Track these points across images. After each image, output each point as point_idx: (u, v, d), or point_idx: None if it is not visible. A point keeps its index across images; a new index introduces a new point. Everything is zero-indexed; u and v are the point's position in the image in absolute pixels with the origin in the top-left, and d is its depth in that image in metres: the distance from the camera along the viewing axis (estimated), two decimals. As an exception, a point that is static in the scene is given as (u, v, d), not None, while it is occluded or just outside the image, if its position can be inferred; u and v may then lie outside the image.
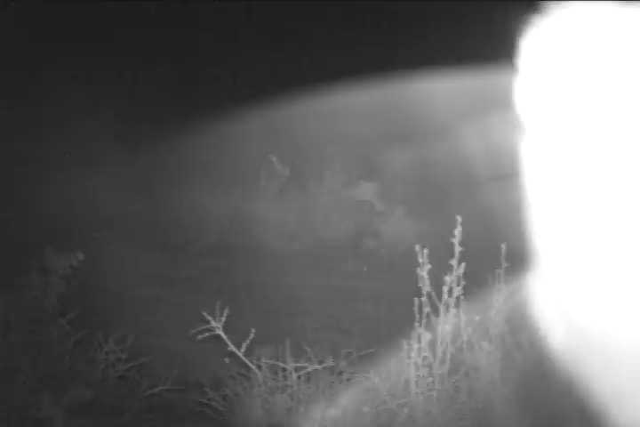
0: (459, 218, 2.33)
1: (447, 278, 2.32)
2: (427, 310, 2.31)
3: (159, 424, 2.60)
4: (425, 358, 2.34)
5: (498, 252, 2.42)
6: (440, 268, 2.38)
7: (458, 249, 2.33)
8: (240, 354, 2.48)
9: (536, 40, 2.78)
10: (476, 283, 2.51)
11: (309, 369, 2.53)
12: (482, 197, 4.64)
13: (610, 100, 2.59)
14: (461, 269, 2.33)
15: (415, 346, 2.32)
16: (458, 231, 2.34)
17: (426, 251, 2.35)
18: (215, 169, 6.97)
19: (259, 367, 2.54)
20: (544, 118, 2.72)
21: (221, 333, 2.47)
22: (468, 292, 2.37)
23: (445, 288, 2.32)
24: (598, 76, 2.62)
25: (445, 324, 2.33)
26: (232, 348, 2.47)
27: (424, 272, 2.34)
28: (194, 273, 5.51)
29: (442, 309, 2.33)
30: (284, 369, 2.54)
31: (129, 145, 6.01)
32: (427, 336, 2.32)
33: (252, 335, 2.45)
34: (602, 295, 2.35)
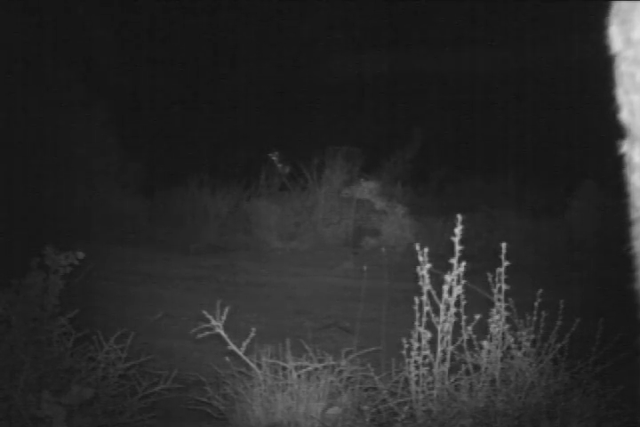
0: (459, 217, 2.33)
1: (447, 277, 2.32)
2: (427, 308, 2.31)
3: (159, 423, 2.60)
4: (425, 357, 2.34)
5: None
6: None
7: (458, 248, 2.33)
8: (240, 353, 2.48)
9: None
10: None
11: (310, 368, 2.53)
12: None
13: None
14: (462, 268, 2.33)
15: (415, 345, 2.32)
16: (458, 230, 2.34)
17: (426, 249, 2.35)
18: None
19: (259, 366, 2.54)
20: None
21: (222, 331, 2.47)
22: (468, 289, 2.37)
23: (446, 287, 2.32)
24: None
25: (446, 322, 2.33)
26: (232, 347, 2.47)
27: (424, 271, 2.34)
28: (194, 272, 5.51)
29: (442, 307, 2.33)
30: (284, 368, 2.54)
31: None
32: (427, 335, 2.32)
33: (252, 334, 2.45)
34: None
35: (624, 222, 0.92)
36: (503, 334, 2.40)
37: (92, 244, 5.09)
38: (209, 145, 7.90)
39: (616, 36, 0.87)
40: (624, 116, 0.88)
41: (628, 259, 0.92)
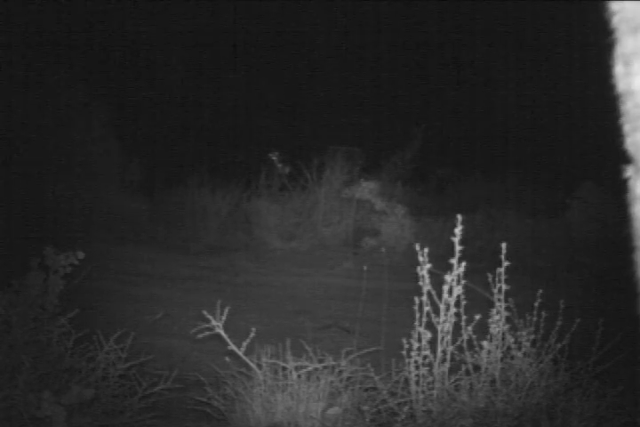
0: (459, 217, 2.33)
1: (447, 277, 2.32)
2: (427, 308, 2.31)
3: (159, 423, 2.60)
4: (425, 357, 2.34)
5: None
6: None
7: (458, 248, 2.33)
8: (240, 353, 2.48)
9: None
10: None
11: (310, 368, 2.53)
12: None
13: None
14: (462, 268, 2.33)
15: (415, 345, 2.32)
16: (458, 230, 2.34)
17: (426, 250, 2.35)
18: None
19: (259, 366, 2.54)
20: None
21: (222, 332, 2.47)
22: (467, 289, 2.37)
23: (446, 287, 2.32)
24: None
25: (446, 323, 2.33)
26: (232, 347, 2.47)
27: (424, 271, 2.34)
28: (194, 272, 5.51)
29: (442, 307, 2.33)
30: (284, 368, 2.54)
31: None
32: (427, 335, 2.32)
33: (252, 334, 2.45)
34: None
35: (627, 249, 0.92)
36: (503, 334, 2.40)
37: (92, 244, 5.09)
38: (209, 145, 7.90)
39: (620, 78, 0.88)
40: (630, 147, 0.89)
41: (631, 285, 0.93)
